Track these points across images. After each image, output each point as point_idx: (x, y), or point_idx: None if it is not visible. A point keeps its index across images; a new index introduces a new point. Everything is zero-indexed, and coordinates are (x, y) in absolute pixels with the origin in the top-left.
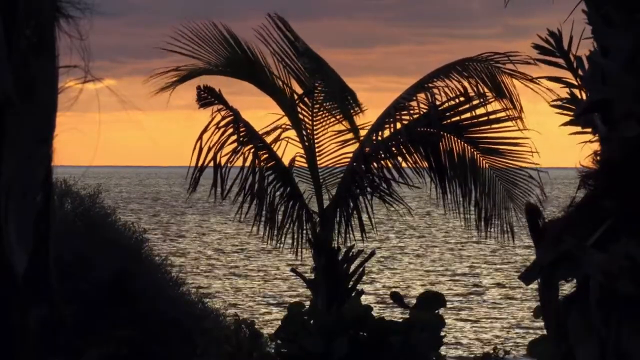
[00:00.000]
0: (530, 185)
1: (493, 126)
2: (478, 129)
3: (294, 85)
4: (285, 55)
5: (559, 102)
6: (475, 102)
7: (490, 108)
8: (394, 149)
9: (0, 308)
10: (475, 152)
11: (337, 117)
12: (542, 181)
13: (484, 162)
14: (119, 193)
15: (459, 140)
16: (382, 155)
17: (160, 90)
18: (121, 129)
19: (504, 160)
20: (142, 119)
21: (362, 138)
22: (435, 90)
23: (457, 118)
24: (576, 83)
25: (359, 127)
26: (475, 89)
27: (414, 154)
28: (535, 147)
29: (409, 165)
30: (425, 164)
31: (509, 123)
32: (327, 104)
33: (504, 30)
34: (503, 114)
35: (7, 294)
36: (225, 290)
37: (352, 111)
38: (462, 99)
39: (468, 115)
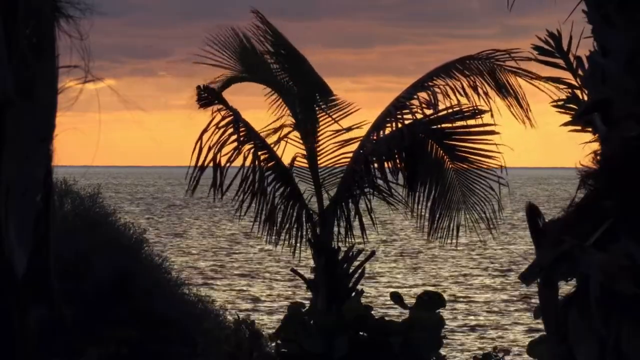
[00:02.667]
0: (486, 194)
1: (474, 137)
2: (460, 137)
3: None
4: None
5: (559, 102)
6: (468, 112)
7: (479, 119)
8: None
9: (0, 308)
10: (444, 156)
11: (333, 116)
12: (501, 191)
13: (450, 165)
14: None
15: (434, 144)
16: (382, 155)
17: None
18: (121, 129)
19: (471, 167)
20: (143, 119)
21: (362, 138)
22: (437, 90)
23: (446, 125)
24: (576, 83)
25: (355, 126)
26: (473, 88)
27: (396, 157)
28: (504, 161)
29: (389, 166)
30: (400, 165)
31: (489, 136)
32: (323, 104)
33: (503, 30)
34: (490, 127)
35: (7, 294)
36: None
37: (317, 108)
38: (456, 108)
39: (458, 124)
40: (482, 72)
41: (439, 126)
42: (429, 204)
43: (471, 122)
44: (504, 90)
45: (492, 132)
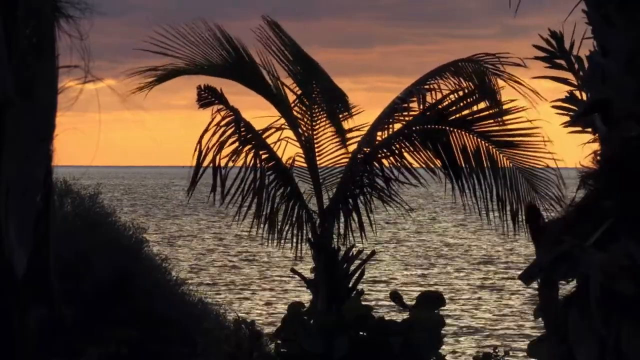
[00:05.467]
0: (549, 175)
1: (501, 118)
2: (485, 122)
3: (293, 86)
4: (283, 56)
5: (559, 103)
6: (475, 97)
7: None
8: (398, 146)
9: (0, 308)
10: (490, 147)
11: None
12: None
13: (501, 156)
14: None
15: (471, 136)
16: (383, 155)
17: (137, 90)
18: (121, 128)
19: (520, 151)
20: (143, 119)
21: (359, 138)
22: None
23: (464, 112)
24: (577, 83)
25: (354, 128)
26: (468, 90)
27: (424, 152)
28: (547, 136)
29: (420, 164)
30: (439, 162)
31: (516, 115)
32: (324, 104)
33: (503, 30)
34: (511, 104)
35: (7, 294)
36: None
37: (340, 115)
38: (460, 93)
39: (473, 109)
40: (471, 75)
41: (455, 116)
42: (494, 201)
43: (482, 105)
44: (488, 92)
45: (518, 109)
